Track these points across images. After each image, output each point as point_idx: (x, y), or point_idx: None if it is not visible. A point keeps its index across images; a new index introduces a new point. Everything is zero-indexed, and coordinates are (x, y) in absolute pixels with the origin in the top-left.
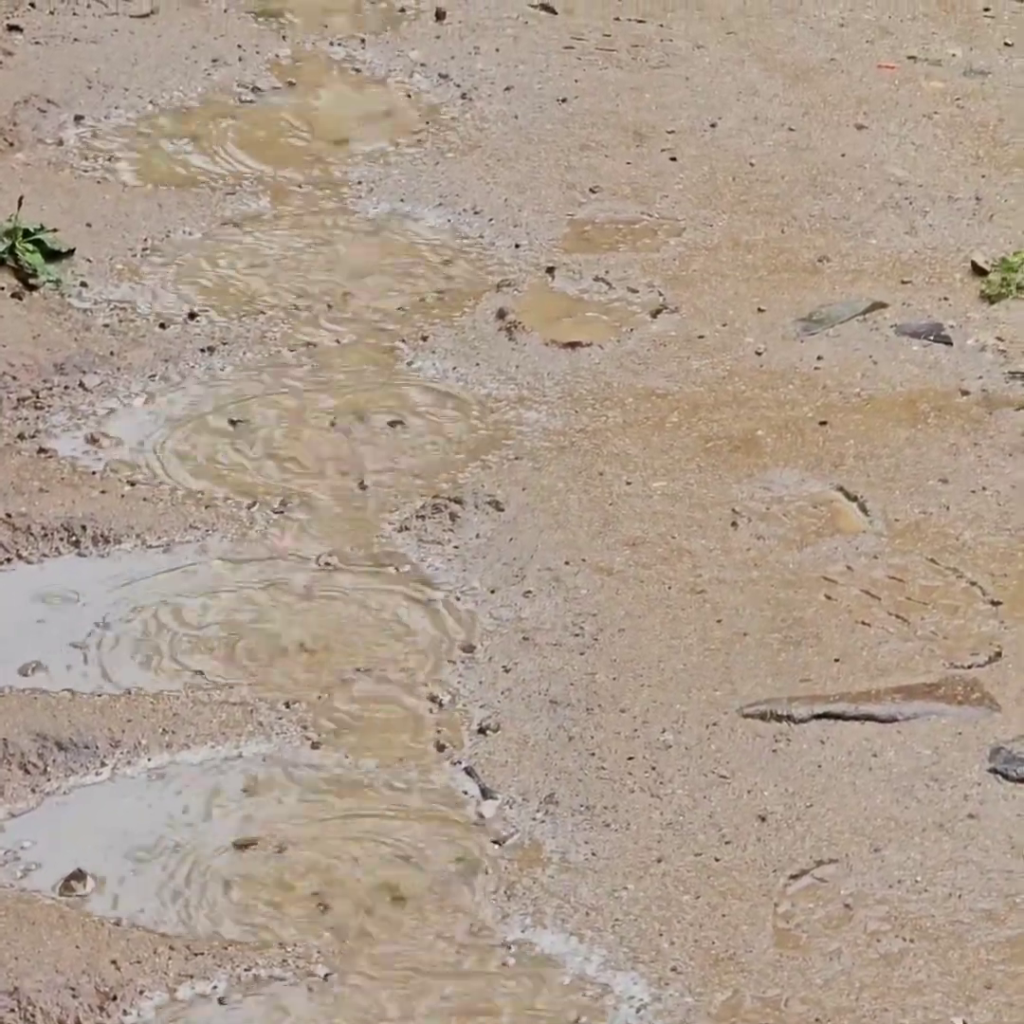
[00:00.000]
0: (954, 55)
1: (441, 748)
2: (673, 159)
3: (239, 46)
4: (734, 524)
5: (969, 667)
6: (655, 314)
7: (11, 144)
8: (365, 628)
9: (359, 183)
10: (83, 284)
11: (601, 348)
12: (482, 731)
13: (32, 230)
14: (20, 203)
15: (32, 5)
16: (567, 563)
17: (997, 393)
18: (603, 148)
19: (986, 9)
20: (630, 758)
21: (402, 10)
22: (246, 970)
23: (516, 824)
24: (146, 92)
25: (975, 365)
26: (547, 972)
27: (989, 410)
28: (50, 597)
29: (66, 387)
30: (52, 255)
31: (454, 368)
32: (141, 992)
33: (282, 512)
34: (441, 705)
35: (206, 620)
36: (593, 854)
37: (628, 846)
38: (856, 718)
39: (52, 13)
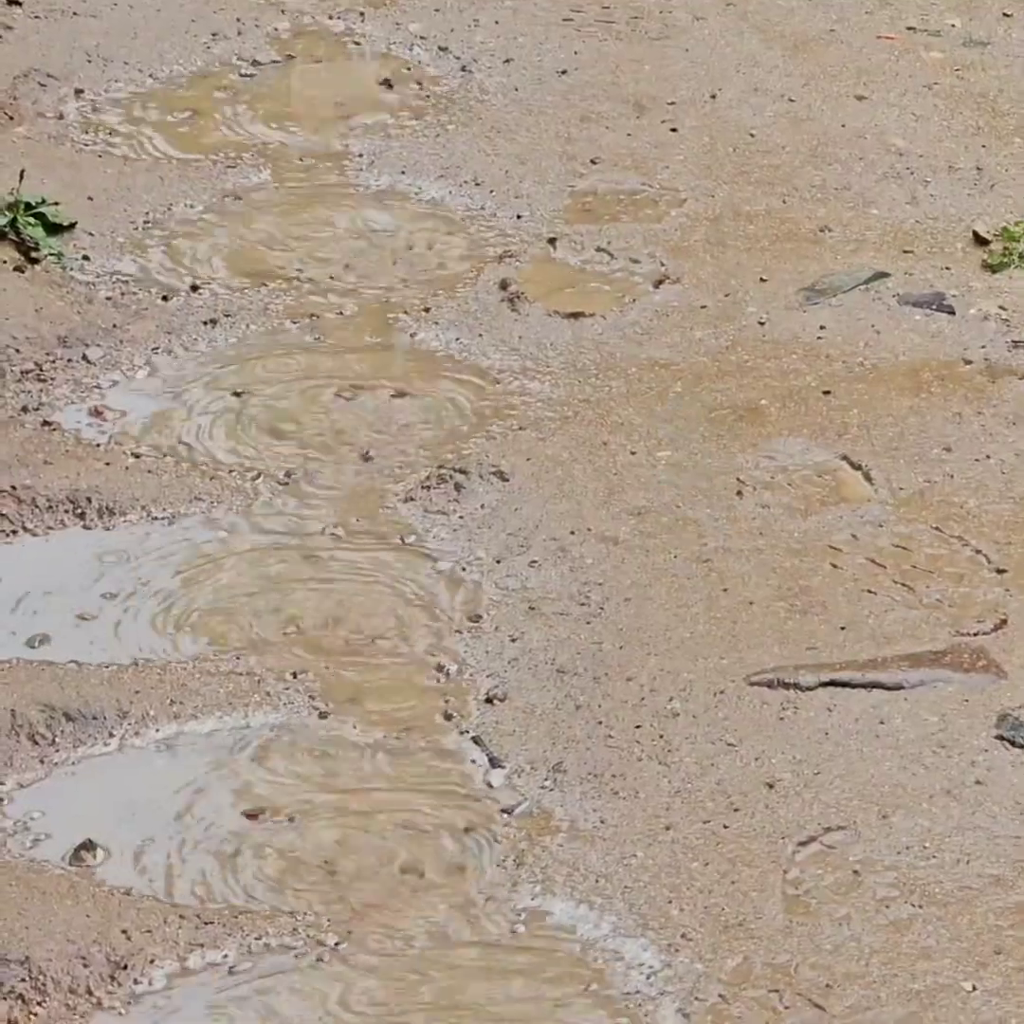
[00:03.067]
0: (953, 26)
1: (449, 717)
2: (673, 130)
3: (238, 20)
4: (739, 493)
5: (975, 635)
6: (657, 284)
7: (11, 118)
8: (371, 599)
9: (360, 156)
10: (85, 257)
11: (604, 318)
12: (489, 700)
13: (34, 203)
14: (21, 177)
15: None
16: (572, 533)
17: (1000, 362)
18: (603, 119)
19: None
20: (638, 726)
21: None
22: (256, 939)
23: (524, 793)
24: (146, 66)
25: (978, 334)
26: (557, 940)
27: (992, 379)
28: (56, 569)
29: (69, 360)
30: (54, 228)
31: (457, 339)
32: (152, 961)
33: (287, 484)
34: (448, 675)
35: (212, 591)
36: (602, 822)
37: (637, 814)
38: (863, 686)
39: None
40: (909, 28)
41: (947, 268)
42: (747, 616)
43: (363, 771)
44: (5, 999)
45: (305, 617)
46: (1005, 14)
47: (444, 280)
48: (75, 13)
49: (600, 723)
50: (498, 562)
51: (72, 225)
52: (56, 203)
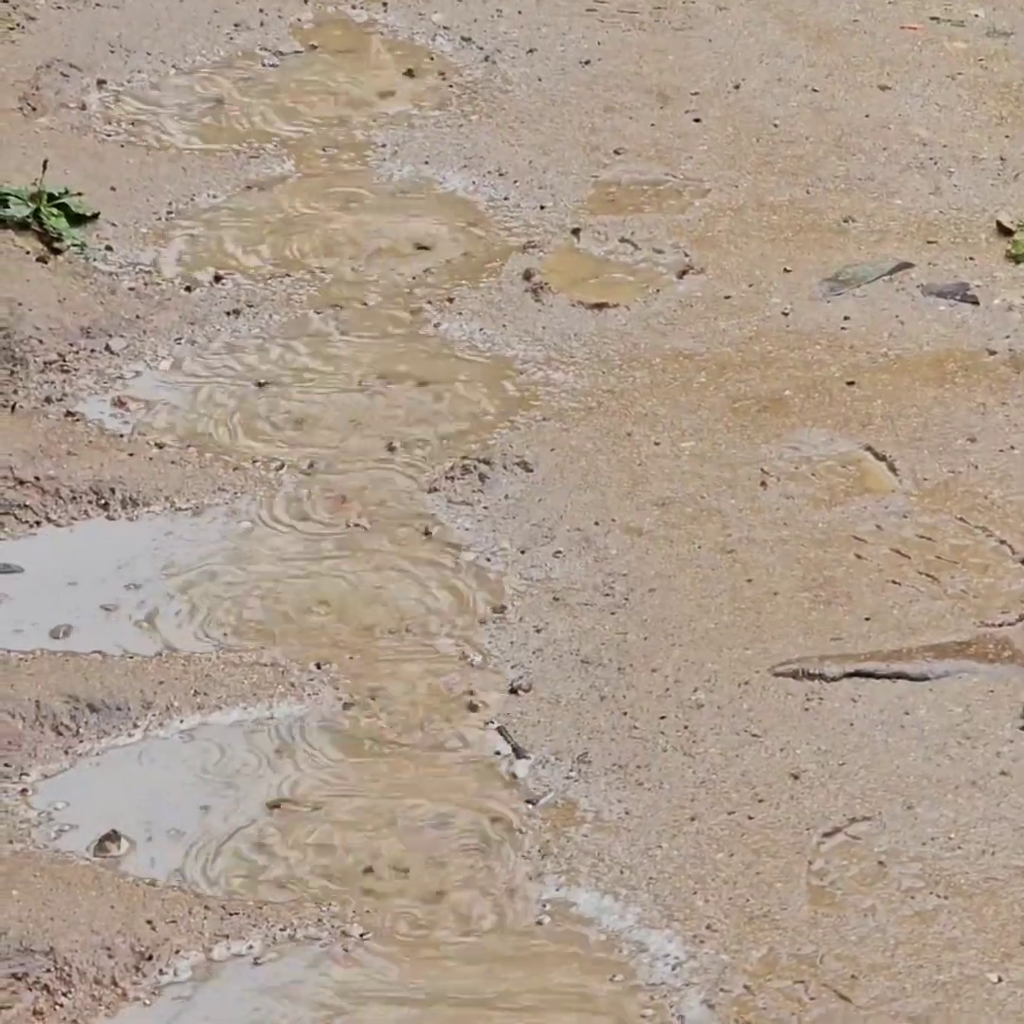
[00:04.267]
0: (976, 15)
1: (473, 708)
2: (697, 120)
3: (261, 10)
4: (763, 484)
5: (1000, 625)
6: (681, 275)
7: (34, 109)
8: (395, 590)
9: (383, 146)
10: (108, 248)
11: (627, 309)
12: (514, 691)
13: (57, 194)
14: (44, 167)
15: None
16: (597, 523)
17: None
18: (627, 110)
19: None
20: (662, 717)
21: None
22: (281, 930)
23: (549, 783)
24: (169, 56)
25: (1002, 325)
26: (582, 930)
27: (1016, 369)
28: (80, 560)
29: (92, 350)
30: (77, 219)
31: (481, 329)
32: (177, 952)
33: (310, 474)
34: (473, 665)
35: (236, 582)
36: (626, 813)
37: (661, 805)
38: (887, 677)
39: None
40: (932, 18)
41: (971, 258)
42: (771, 607)
43: (387, 762)
44: (31, 990)
45: (329, 608)
46: None
47: (468, 270)
48: (97, 4)
49: (625, 714)
50: (522, 553)
51: (95, 216)
52: (79, 193)
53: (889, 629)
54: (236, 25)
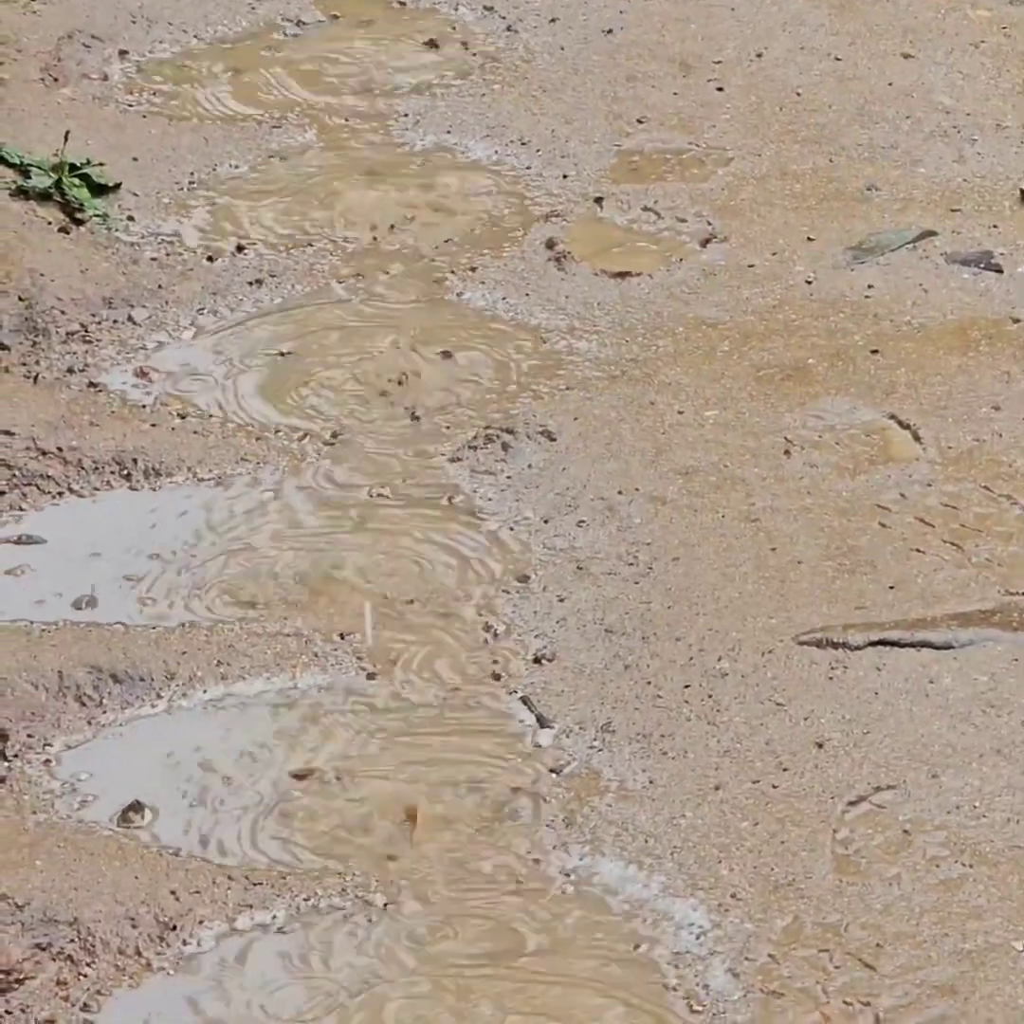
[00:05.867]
0: None
1: (497, 678)
2: (720, 89)
3: None
4: (787, 452)
5: None
6: (704, 243)
7: (56, 79)
8: (418, 559)
9: (405, 115)
10: (130, 218)
11: (651, 278)
12: (538, 661)
13: (78, 164)
14: (66, 138)
15: None
16: (620, 493)
17: None
18: (649, 79)
19: None
20: (686, 686)
21: None
22: (305, 899)
23: (573, 753)
24: (190, 26)
25: None
26: (606, 899)
27: None
28: (102, 530)
29: (115, 321)
30: (99, 189)
31: (504, 298)
32: (200, 922)
33: (333, 444)
34: (496, 635)
35: (258, 552)
36: (651, 782)
37: (686, 774)
38: (912, 645)
39: None
40: None
41: (995, 226)
42: (795, 575)
43: (411, 732)
44: (55, 960)
45: (352, 578)
46: None
47: (491, 239)
48: None
49: (649, 683)
50: (546, 522)
51: (117, 186)
52: (101, 164)
53: (913, 597)
54: None
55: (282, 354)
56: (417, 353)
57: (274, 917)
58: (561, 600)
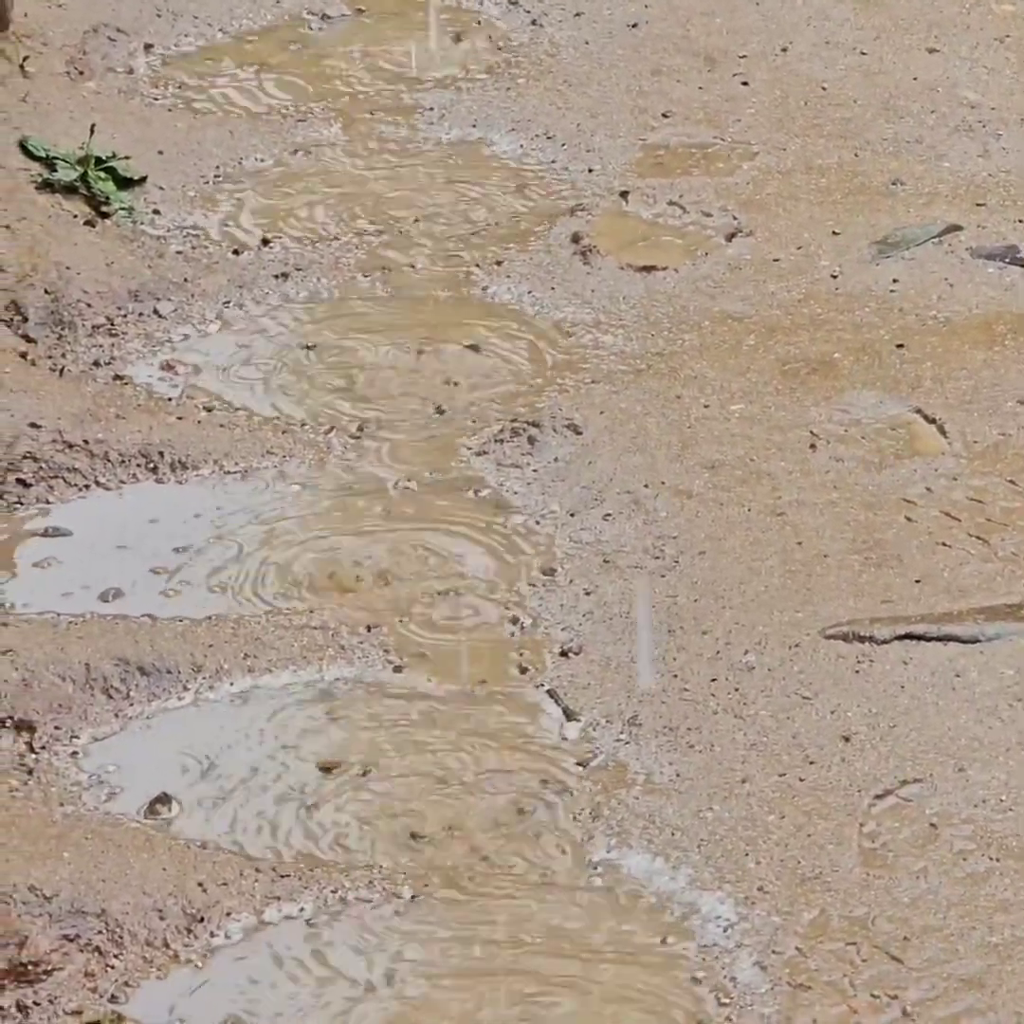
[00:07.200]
0: None
1: (523, 671)
2: (745, 83)
3: None
4: (813, 446)
5: None
6: (730, 238)
7: (81, 73)
8: (445, 552)
9: (431, 109)
10: (156, 211)
11: (676, 272)
12: (564, 654)
13: (104, 158)
14: (92, 131)
15: None
16: (646, 486)
17: None
18: (675, 73)
19: None
20: (713, 679)
21: None
22: (333, 892)
23: (600, 746)
24: (216, 20)
25: None
26: (633, 893)
27: None
28: (129, 523)
29: (140, 314)
30: (124, 182)
31: (529, 292)
32: (228, 914)
33: (359, 437)
34: (523, 628)
35: (285, 545)
36: (677, 775)
37: (712, 767)
38: (938, 639)
39: None
40: None
41: (1020, 221)
42: (822, 569)
43: (438, 725)
44: (83, 951)
45: (379, 571)
46: None
47: (516, 233)
48: None
49: (675, 676)
50: (572, 515)
51: (142, 179)
52: (127, 157)
53: (939, 591)
54: None
55: (308, 347)
56: (443, 347)
57: (301, 909)
58: (587, 594)
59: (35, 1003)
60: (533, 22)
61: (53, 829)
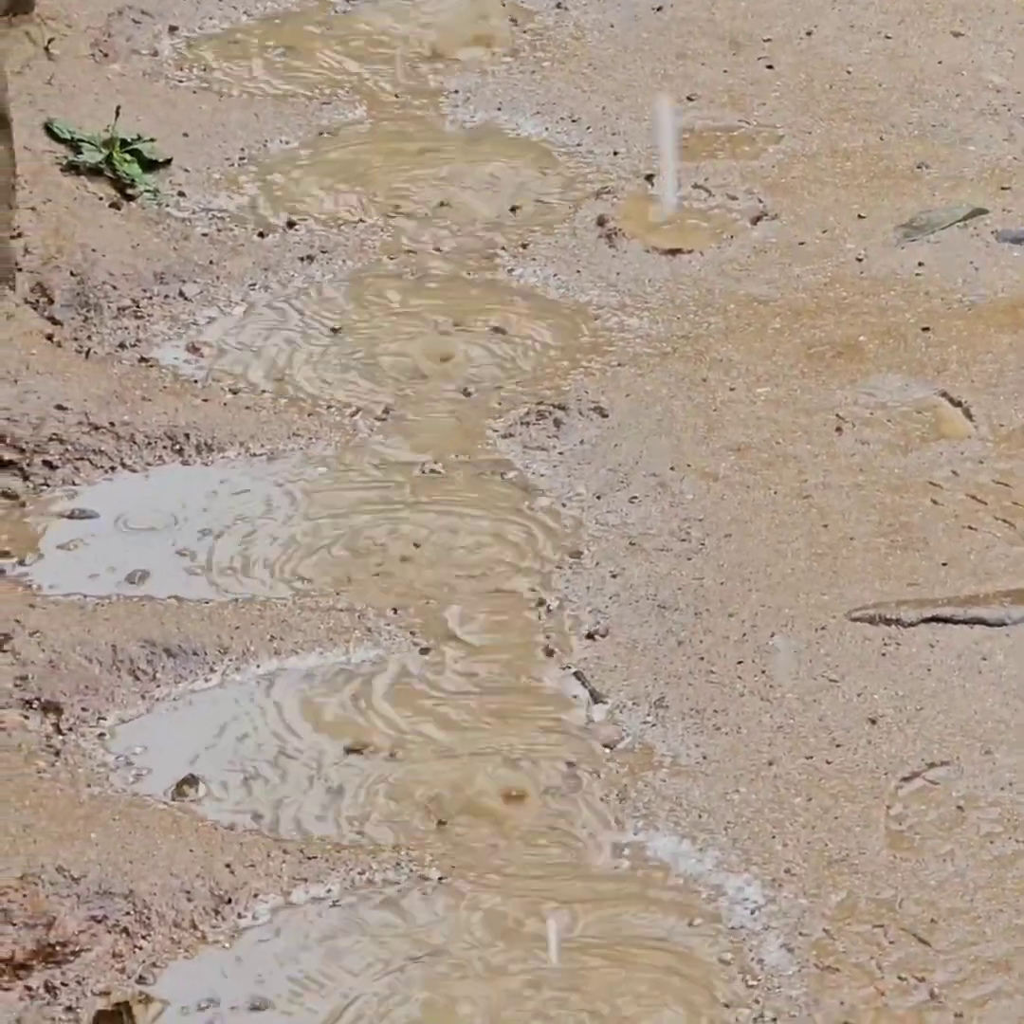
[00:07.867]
0: None
1: (550, 653)
2: (770, 67)
3: None
4: (839, 429)
5: None
6: (755, 221)
7: (106, 55)
8: (471, 534)
9: (456, 92)
10: (181, 194)
11: (702, 255)
12: (591, 636)
13: (129, 140)
14: (117, 114)
15: None
16: (672, 469)
17: None
18: (699, 56)
19: None
20: (739, 662)
21: None
22: (360, 873)
23: (627, 728)
24: (240, 2)
25: None
26: (660, 874)
27: None
28: (155, 505)
29: (166, 296)
30: (149, 165)
31: (555, 275)
32: (255, 895)
33: (385, 419)
34: (549, 611)
35: (311, 527)
36: (704, 757)
37: (739, 749)
38: (965, 622)
39: None
40: None
41: None
42: (848, 552)
43: (465, 707)
44: (110, 932)
45: (405, 553)
46: None
47: (542, 216)
48: None
49: (702, 659)
50: (598, 498)
51: (168, 161)
52: (152, 139)
53: (966, 574)
54: None
55: (334, 329)
56: (469, 329)
57: (329, 891)
58: (614, 576)
59: (63, 984)
60: (558, 5)
61: (80, 810)
